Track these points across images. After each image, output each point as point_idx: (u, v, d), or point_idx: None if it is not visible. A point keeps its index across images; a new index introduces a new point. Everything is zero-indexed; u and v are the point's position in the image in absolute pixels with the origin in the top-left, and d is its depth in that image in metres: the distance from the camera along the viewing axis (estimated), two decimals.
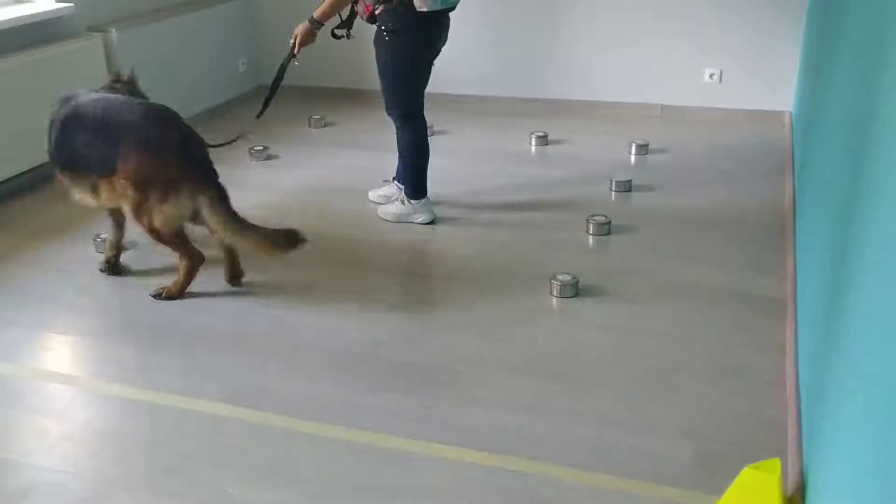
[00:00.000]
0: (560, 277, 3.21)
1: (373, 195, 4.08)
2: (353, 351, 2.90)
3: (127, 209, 3.11)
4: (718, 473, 2.19)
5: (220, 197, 3.08)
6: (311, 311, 3.15)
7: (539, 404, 2.58)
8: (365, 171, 4.51)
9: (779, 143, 4.77)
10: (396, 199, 3.90)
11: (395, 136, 3.79)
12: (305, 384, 2.71)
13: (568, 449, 2.37)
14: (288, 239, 3.11)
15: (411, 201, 3.83)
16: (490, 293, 3.24)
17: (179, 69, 5.23)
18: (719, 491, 2.06)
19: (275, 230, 3.13)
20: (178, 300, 3.22)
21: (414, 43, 3.55)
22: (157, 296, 3.22)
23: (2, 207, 4.17)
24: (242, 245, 3.15)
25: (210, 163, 3.15)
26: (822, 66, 3.45)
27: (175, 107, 3.35)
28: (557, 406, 2.56)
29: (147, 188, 3.02)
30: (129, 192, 3.04)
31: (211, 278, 3.43)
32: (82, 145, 3.13)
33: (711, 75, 5.22)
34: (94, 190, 3.16)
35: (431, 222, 3.83)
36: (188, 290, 3.23)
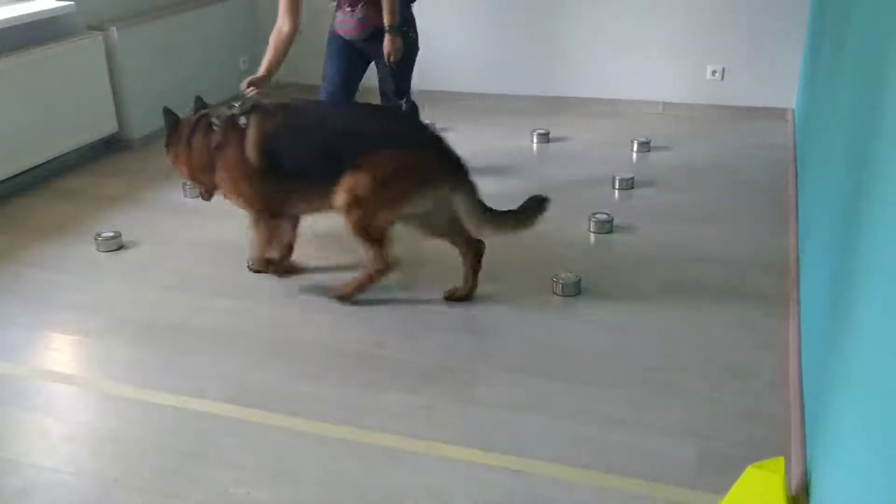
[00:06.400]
0: (562, 276, 3.20)
1: None
2: (354, 350, 2.89)
3: (344, 205, 2.96)
4: (722, 473, 2.19)
5: (474, 192, 3.00)
6: (312, 310, 3.14)
7: (541, 403, 2.57)
8: None
9: (781, 141, 4.76)
10: None
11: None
12: (307, 384, 2.70)
13: (570, 448, 2.36)
14: (535, 206, 3.02)
15: None
16: (492, 291, 3.23)
17: (180, 68, 5.22)
18: (723, 490, 2.05)
19: (522, 207, 3.04)
20: (179, 302, 3.23)
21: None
22: (337, 297, 3.16)
23: (3, 206, 4.17)
24: (504, 231, 3.04)
25: (462, 159, 3.07)
26: (825, 63, 3.44)
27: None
28: (560, 405, 2.56)
29: (390, 185, 2.93)
30: (365, 190, 2.92)
31: (208, 281, 3.43)
32: (318, 151, 3.02)
33: (714, 72, 5.21)
34: (329, 194, 3.00)
35: None
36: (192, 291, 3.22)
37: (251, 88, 3.47)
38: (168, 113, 3.31)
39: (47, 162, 4.43)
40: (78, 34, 4.58)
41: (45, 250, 3.69)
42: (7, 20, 4.11)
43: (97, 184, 4.47)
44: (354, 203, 2.95)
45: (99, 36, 4.64)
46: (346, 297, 3.15)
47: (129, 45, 4.81)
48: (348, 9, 3.74)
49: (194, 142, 3.21)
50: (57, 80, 4.39)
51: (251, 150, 3.07)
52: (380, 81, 3.97)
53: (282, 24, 3.60)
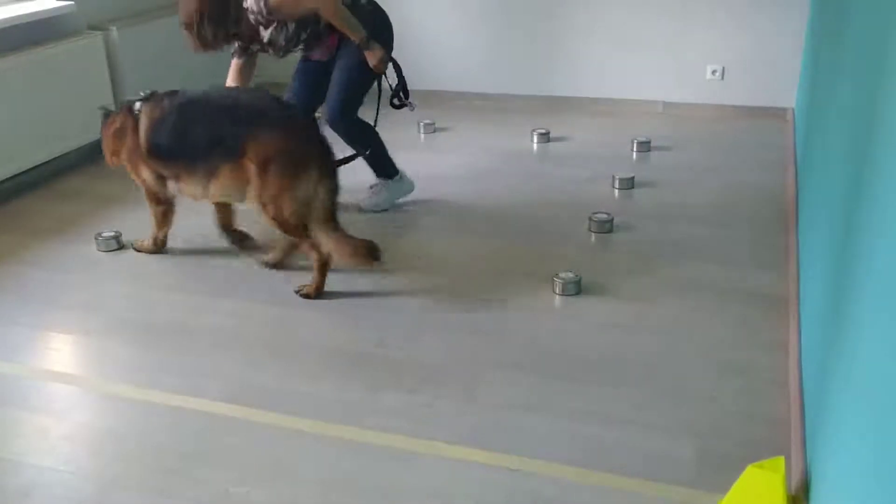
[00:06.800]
0: (562, 275, 3.20)
1: (368, 205, 4.01)
2: (353, 350, 2.89)
3: (253, 198, 3.11)
4: (722, 472, 2.18)
5: (334, 190, 3.12)
6: (311, 310, 3.15)
7: (541, 403, 2.57)
8: (360, 171, 4.49)
9: (781, 140, 4.76)
10: (380, 189, 4.01)
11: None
12: (306, 383, 2.70)
13: (570, 447, 2.36)
14: (369, 252, 3.10)
15: (392, 179, 3.98)
16: (492, 291, 3.23)
17: (180, 67, 5.20)
18: (723, 490, 2.05)
19: (359, 241, 3.12)
20: (179, 302, 3.22)
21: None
22: (297, 292, 3.22)
23: (3, 206, 4.17)
24: (326, 243, 3.10)
25: (333, 152, 3.20)
26: (825, 63, 3.44)
27: None
28: (560, 404, 2.56)
29: (279, 171, 3.03)
30: (263, 182, 3.04)
31: (208, 281, 3.43)
32: (201, 135, 3.17)
33: (714, 72, 5.21)
34: (208, 180, 3.20)
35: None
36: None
37: None
38: (103, 110, 3.59)
39: (47, 162, 4.43)
40: (78, 34, 4.58)
41: (46, 250, 3.69)
42: (7, 20, 4.11)
43: (97, 184, 4.47)
44: (262, 197, 3.08)
45: (99, 36, 4.64)
46: (311, 295, 3.20)
47: (129, 45, 4.81)
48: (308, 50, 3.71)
49: (112, 126, 3.46)
50: (57, 80, 4.39)
51: (142, 138, 3.29)
52: (329, 89, 3.76)
53: None
